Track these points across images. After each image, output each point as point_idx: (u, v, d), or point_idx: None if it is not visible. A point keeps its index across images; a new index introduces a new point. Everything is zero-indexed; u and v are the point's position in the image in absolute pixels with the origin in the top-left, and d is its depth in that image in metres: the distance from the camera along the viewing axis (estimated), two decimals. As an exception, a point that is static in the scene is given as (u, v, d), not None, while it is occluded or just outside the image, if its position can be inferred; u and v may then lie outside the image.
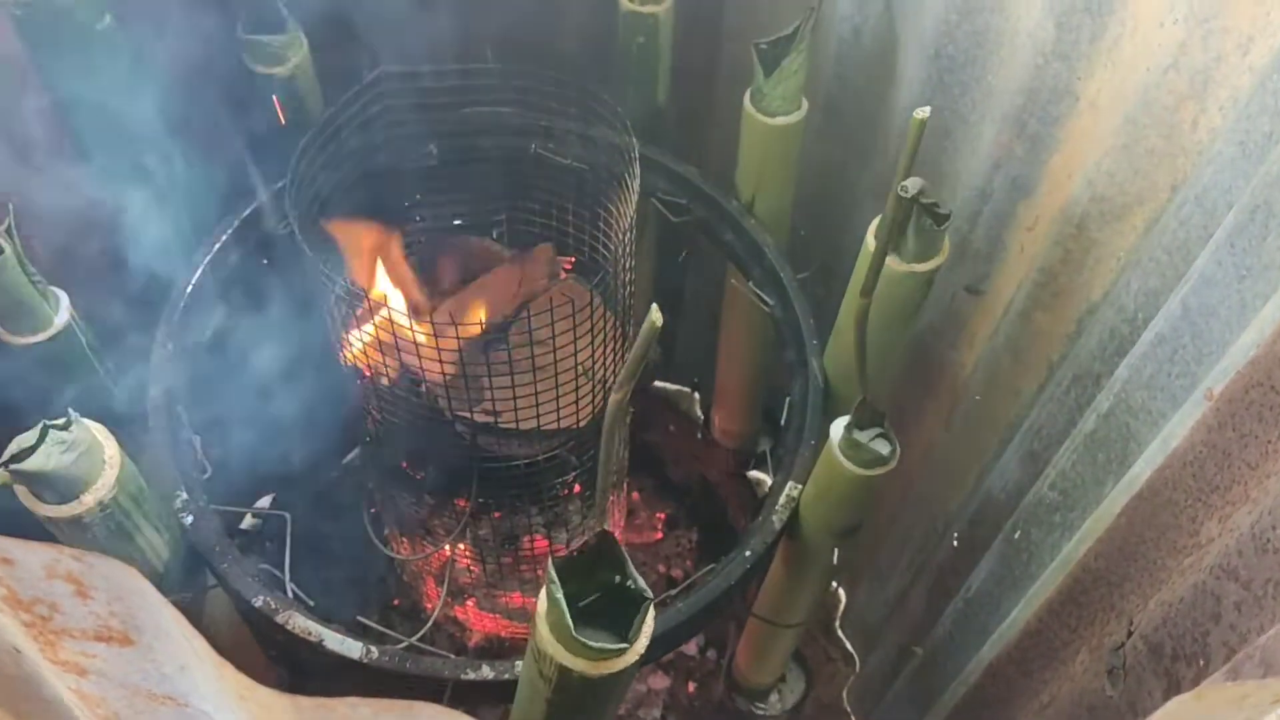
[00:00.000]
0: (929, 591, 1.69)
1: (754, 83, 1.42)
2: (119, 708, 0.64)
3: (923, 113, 1.04)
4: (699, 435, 2.13)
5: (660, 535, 2.19)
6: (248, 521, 1.98)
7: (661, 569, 2.16)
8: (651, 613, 0.90)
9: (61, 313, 1.25)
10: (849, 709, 2.04)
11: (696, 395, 2.24)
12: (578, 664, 0.88)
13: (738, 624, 1.96)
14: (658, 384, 2.21)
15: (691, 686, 2.05)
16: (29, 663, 0.60)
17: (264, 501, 1.99)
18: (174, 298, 1.39)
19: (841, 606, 2.12)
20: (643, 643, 0.89)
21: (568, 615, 0.83)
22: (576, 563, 0.87)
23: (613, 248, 1.24)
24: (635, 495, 2.23)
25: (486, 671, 1.19)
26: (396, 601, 2.05)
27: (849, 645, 2.10)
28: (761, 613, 1.60)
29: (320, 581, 2.04)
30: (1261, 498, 0.82)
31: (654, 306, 0.73)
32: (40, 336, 1.23)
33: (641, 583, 0.88)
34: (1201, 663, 0.86)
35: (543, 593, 0.89)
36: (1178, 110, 1.07)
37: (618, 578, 0.89)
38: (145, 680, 0.62)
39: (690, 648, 2.08)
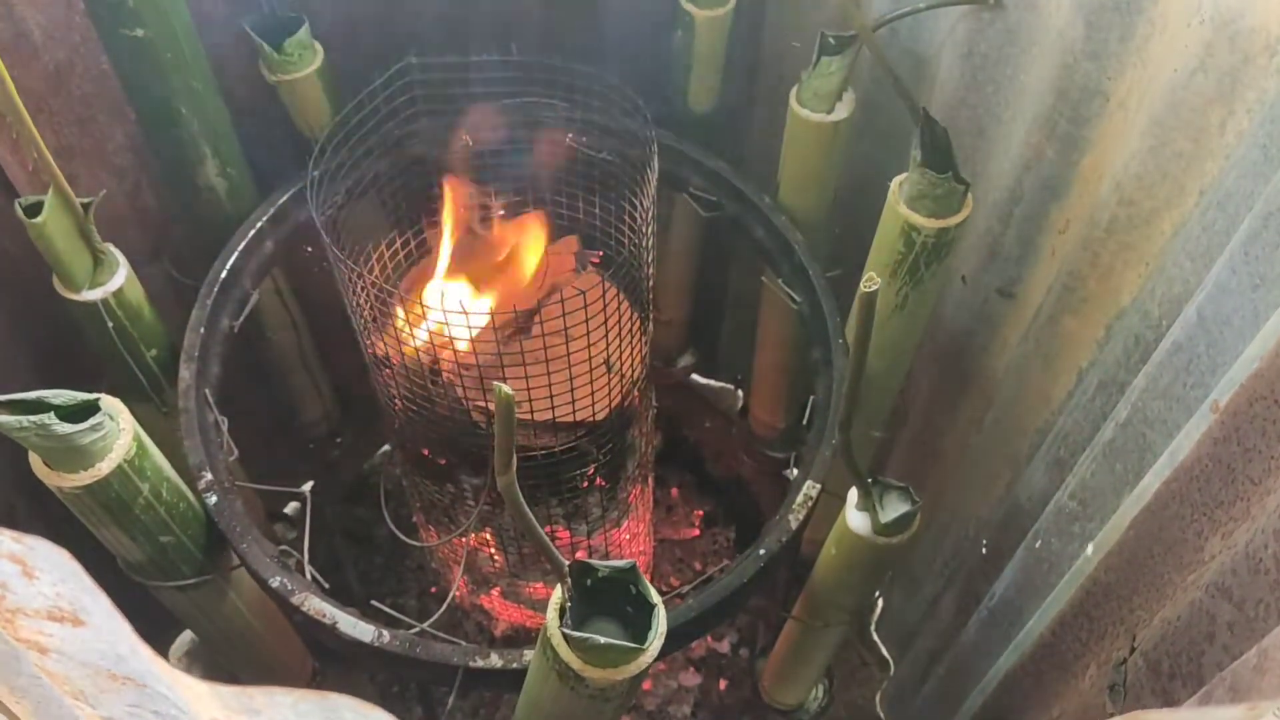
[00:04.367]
0: (959, 597, 1.67)
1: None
2: (84, 685, 0.65)
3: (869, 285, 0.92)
4: (733, 432, 2.12)
5: (697, 532, 2.19)
6: (291, 507, 2.03)
7: (698, 566, 2.16)
8: (664, 619, 0.89)
9: (96, 290, 1.30)
10: (881, 713, 2.02)
11: (740, 392, 2.23)
12: (587, 669, 0.88)
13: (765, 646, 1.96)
14: (699, 379, 2.20)
15: (723, 684, 2.05)
16: (8, 639, 0.61)
17: (305, 489, 2.04)
18: (208, 282, 1.41)
19: (878, 610, 2.09)
20: (652, 651, 0.89)
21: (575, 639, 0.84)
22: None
23: (633, 240, 1.24)
24: (674, 491, 2.23)
25: (495, 660, 1.19)
26: (434, 589, 2.07)
27: (884, 649, 2.08)
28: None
29: (357, 566, 2.09)
30: (1260, 515, 0.79)
31: (499, 385, 0.73)
32: (75, 296, 1.30)
33: (649, 587, 0.88)
34: (1195, 684, 0.83)
35: (553, 599, 0.90)
36: (1205, 113, 1.03)
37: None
38: (103, 660, 0.62)
39: (723, 645, 2.08)
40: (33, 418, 0.98)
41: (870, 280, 0.89)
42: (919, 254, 1.28)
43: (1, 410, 0.97)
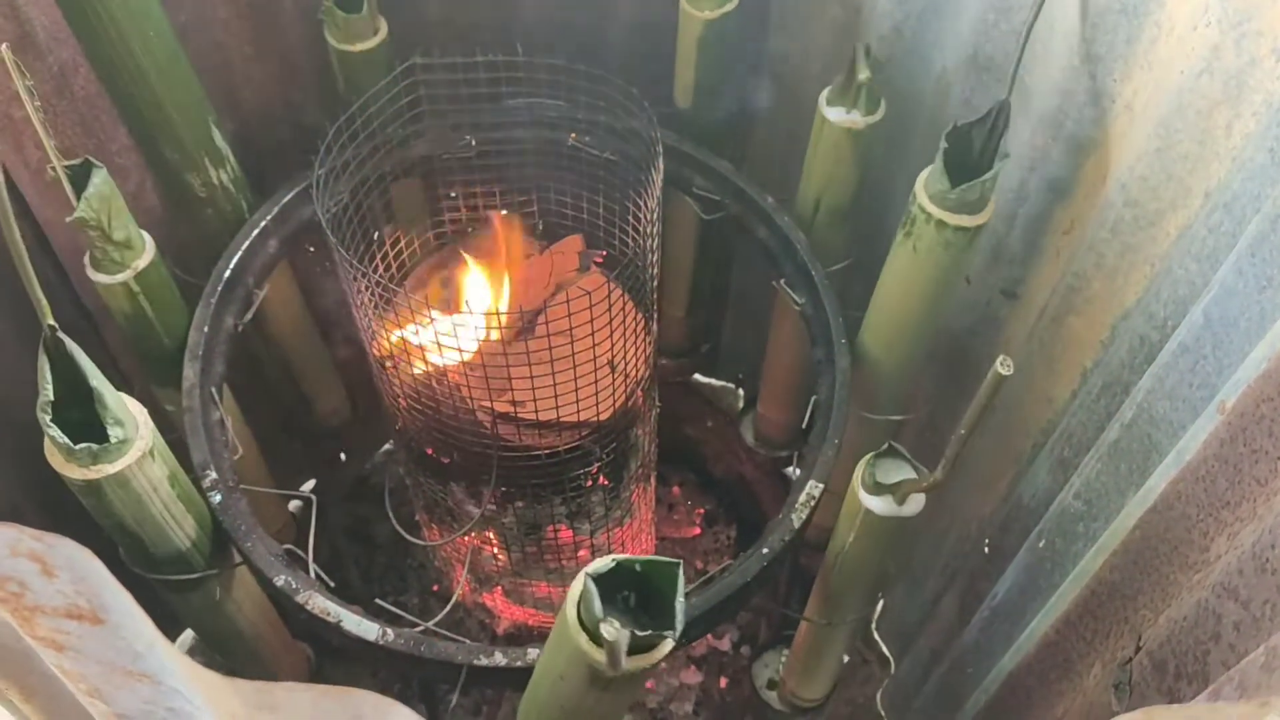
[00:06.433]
0: (961, 597, 1.67)
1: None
2: (99, 683, 0.65)
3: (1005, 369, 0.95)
4: (737, 431, 2.12)
5: (699, 530, 2.19)
6: (293, 505, 2.03)
7: (699, 564, 2.16)
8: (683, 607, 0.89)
9: (102, 276, 1.31)
10: (882, 711, 2.02)
11: (740, 390, 2.23)
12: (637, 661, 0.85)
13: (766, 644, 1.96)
14: (699, 378, 2.20)
15: (724, 681, 2.05)
16: (22, 638, 0.62)
17: (306, 486, 2.04)
18: (212, 280, 1.41)
19: (879, 608, 2.10)
20: (668, 645, 0.88)
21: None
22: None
23: (636, 240, 1.24)
24: (676, 490, 2.24)
25: (499, 658, 1.19)
26: (435, 587, 2.08)
27: (884, 648, 2.08)
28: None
29: (359, 563, 2.09)
30: (1266, 515, 0.80)
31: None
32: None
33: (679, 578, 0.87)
34: (1202, 682, 0.84)
35: (575, 584, 0.88)
36: (1211, 115, 1.04)
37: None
38: (120, 658, 0.63)
39: (723, 643, 2.08)
40: (47, 394, 1.01)
41: (1005, 363, 0.92)
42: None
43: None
